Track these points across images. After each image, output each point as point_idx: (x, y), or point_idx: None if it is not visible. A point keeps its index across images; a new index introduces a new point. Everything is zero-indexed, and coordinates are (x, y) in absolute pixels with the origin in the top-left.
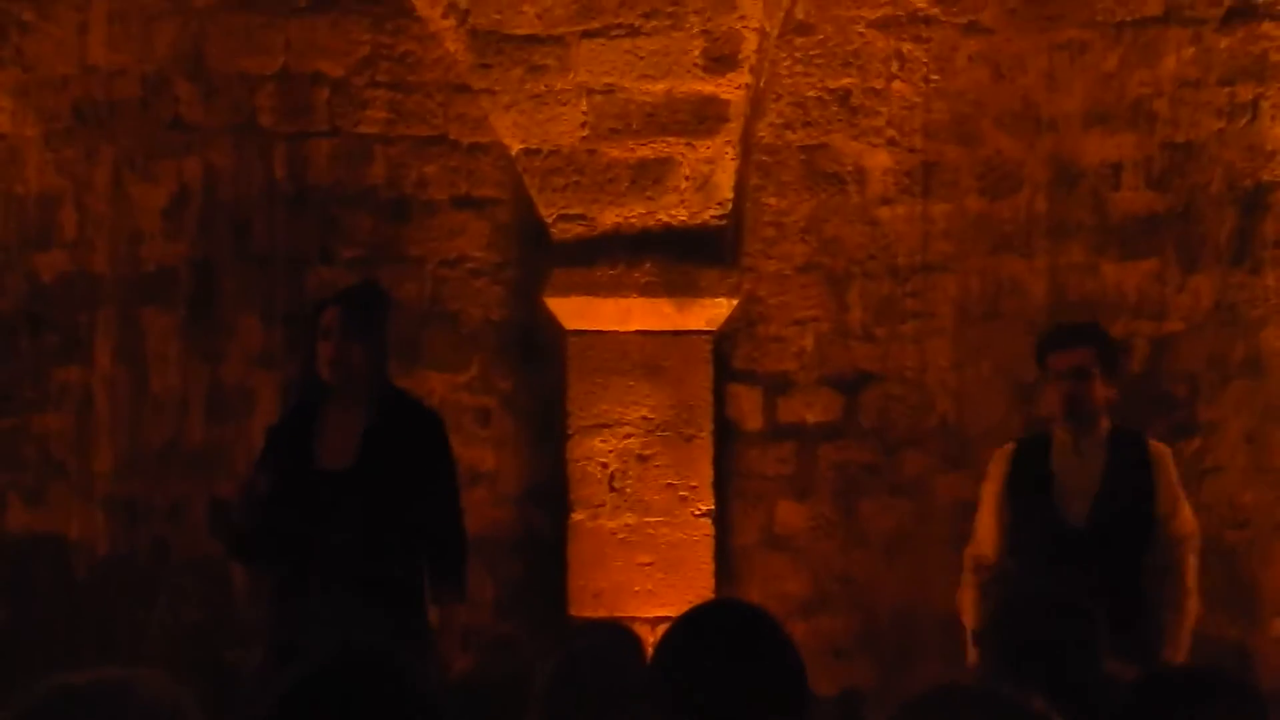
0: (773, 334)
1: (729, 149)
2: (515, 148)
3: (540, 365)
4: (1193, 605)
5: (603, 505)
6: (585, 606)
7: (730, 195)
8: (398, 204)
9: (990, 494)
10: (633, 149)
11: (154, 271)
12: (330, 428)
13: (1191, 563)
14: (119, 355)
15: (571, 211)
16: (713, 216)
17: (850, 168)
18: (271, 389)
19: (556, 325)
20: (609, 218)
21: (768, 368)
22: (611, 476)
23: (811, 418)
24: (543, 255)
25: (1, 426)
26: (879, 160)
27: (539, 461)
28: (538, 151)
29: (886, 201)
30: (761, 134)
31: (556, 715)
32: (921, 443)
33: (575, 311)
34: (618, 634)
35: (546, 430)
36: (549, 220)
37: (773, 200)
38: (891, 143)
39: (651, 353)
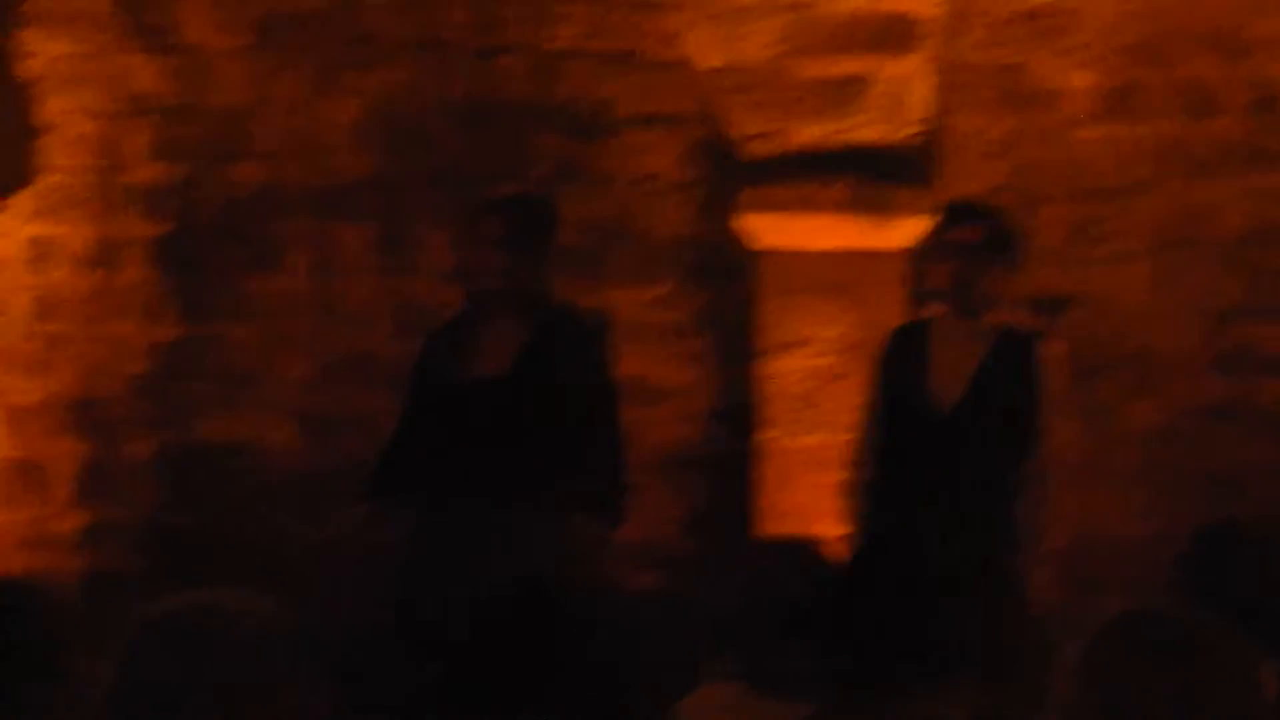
0: None
1: (924, 67)
2: (706, 64)
3: (729, 283)
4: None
5: (792, 424)
6: (773, 524)
7: (924, 114)
8: (587, 120)
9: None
10: (826, 66)
11: (345, 185)
12: (488, 339)
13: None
14: (310, 268)
15: (763, 128)
16: (906, 135)
17: (1047, 88)
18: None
19: (747, 243)
20: (800, 135)
21: None
22: (801, 395)
23: None
24: (733, 173)
25: (195, 336)
26: (1076, 81)
27: (727, 379)
28: (729, 68)
29: (1083, 123)
30: (957, 53)
31: (744, 630)
32: (1115, 368)
33: (766, 229)
34: (805, 551)
35: (735, 348)
36: (740, 138)
37: (968, 120)
38: (1089, 64)
39: (843, 271)
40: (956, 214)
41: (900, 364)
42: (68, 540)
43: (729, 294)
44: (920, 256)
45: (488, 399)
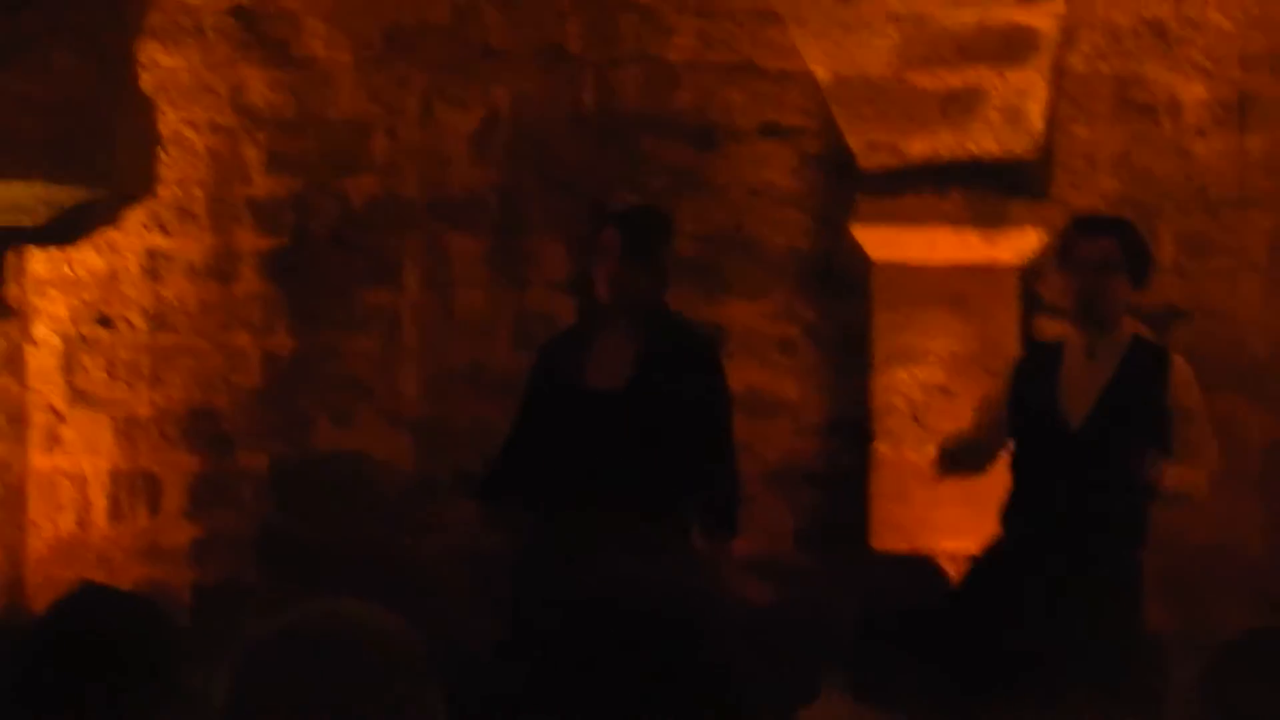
0: None
1: (1040, 79)
2: (824, 76)
3: (844, 295)
4: (1200, 477)
5: (906, 437)
6: (886, 538)
7: (1040, 126)
8: (704, 131)
9: (992, 389)
10: (942, 78)
11: (461, 197)
12: (603, 349)
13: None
14: (426, 279)
15: (879, 140)
16: (1022, 147)
17: (1164, 99)
18: (575, 314)
19: (861, 255)
20: (917, 147)
21: None
22: (915, 408)
23: None
24: (849, 184)
25: (312, 348)
26: (1193, 91)
27: (841, 392)
28: (846, 80)
29: (1201, 134)
30: (1073, 64)
31: (859, 644)
32: (1233, 381)
33: (881, 241)
34: (922, 568)
35: (849, 361)
36: (856, 149)
37: (1083, 131)
38: (1207, 73)
39: (958, 284)
40: (1085, 228)
41: (1031, 380)
42: (180, 552)
43: (844, 306)
44: (1045, 270)
45: (603, 410)
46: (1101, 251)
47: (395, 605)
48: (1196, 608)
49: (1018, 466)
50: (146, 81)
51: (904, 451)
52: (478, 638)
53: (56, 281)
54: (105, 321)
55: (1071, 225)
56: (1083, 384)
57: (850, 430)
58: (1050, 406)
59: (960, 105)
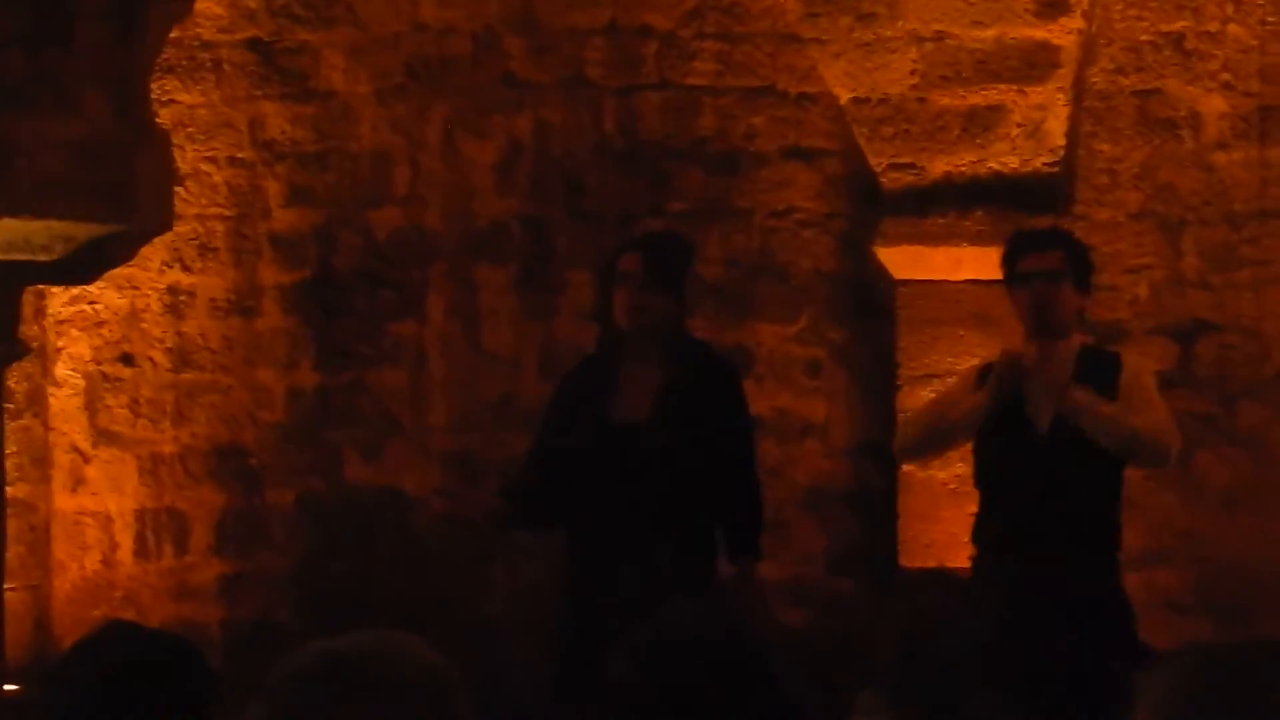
0: (1106, 282)
1: (1061, 95)
2: (844, 97)
3: (870, 316)
4: (1140, 423)
5: None
6: (916, 557)
7: (1062, 142)
8: (726, 156)
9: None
10: (963, 96)
11: (486, 228)
12: (626, 379)
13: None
14: (452, 311)
15: (901, 160)
16: (1044, 164)
17: (1185, 113)
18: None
19: (886, 276)
20: (939, 166)
21: (1101, 316)
22: None
23: None
24: (872, 206)
25: (339, 382)
26: (1214, 105)
27: (870, 413)
28: (867, 100)
29: (1222, 147)
30: (1093, 80)
31: (892, 665)
32: (1259, 393)
33: (905, 261)
34: (955, 588)
35: (877, 382)
36: (878, 170)
37: (1105, 147)
38: (1227, 87)
39: (983, 302)
40: (1028, 242)
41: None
42: (209, 591)
43: (871, 327)
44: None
45: (627, 441)
46: (1046, 264)
47: (433, 640)
48: (1231, 623)
49: (986, 480)
50: (164, 117)
51: (932, 471)
52: (519, 671)
53: (77, 321)
54: (127, 360)
55: (1012, 240)
56: (1043, 391)
57: (879, 451)
58: (1015, 414)
59: (981, 123)
